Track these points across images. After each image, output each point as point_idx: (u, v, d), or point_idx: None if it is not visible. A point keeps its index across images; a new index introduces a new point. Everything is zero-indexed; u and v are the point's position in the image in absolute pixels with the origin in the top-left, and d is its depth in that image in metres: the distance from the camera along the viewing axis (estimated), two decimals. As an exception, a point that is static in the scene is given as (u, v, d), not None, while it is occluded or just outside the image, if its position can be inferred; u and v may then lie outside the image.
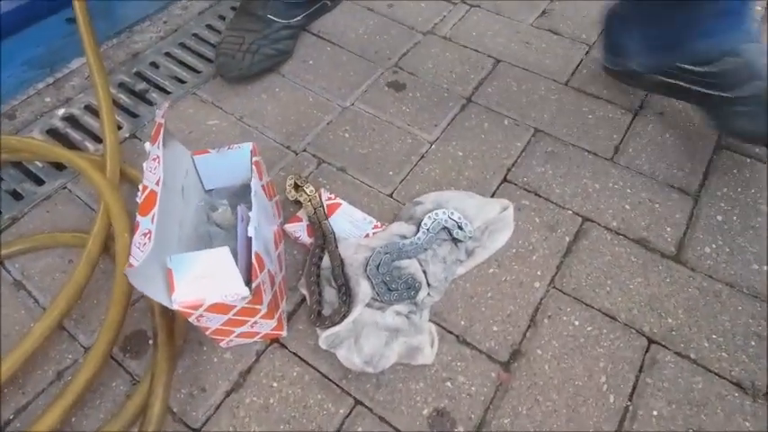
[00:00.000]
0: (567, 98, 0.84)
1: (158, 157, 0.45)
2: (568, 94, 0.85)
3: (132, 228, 0.61)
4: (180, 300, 0.44)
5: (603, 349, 0.58)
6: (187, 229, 0.53)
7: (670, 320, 0.60)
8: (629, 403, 0.54)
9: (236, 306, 0.47)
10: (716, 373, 0.56)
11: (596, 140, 0.78)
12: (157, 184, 0.44)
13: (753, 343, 0.58)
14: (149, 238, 0.41)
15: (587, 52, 0.92)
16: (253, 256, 0.47)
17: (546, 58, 0.91)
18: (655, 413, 0.53)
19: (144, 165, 0.45)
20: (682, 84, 0.72)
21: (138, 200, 0.43)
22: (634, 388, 0.55)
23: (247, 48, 0.83)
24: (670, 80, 0.74)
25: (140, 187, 0.43)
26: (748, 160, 0.75)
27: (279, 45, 0.86)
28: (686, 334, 0.59)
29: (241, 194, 0.61)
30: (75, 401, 0.51)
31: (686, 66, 0.71)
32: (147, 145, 0.47)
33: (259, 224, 0.50)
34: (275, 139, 0.79)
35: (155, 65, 0.90)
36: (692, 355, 0.57)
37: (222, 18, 0.99)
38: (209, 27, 0.97)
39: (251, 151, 0.57)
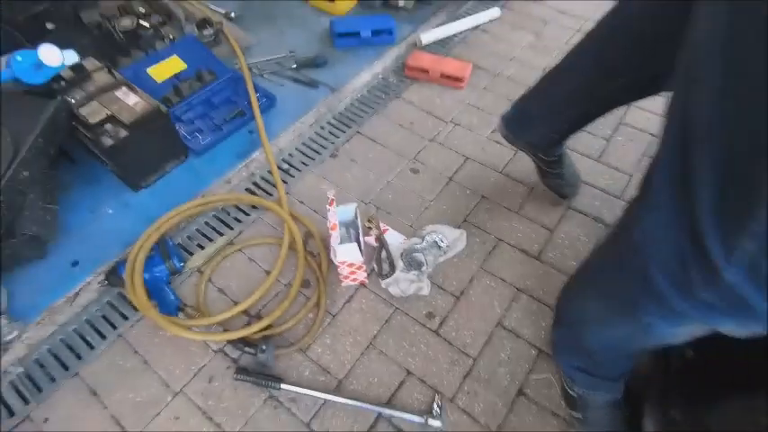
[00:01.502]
0: (499, 180, 1.68)
1: (335, 212, 1.29)
2: (500, 177, 1.69)
3: (305, 237, 1.45)
4: (340, 259, 1.27)
5: (498, 292, 1.39)
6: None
7: (529, 283, 1.41)
8: (504, 314, 1.35)
9: (356, 264, 1.29)
10: (544, 304, 1.37)
11: (512, 201, 1.61)
12: (335, 223, 1.27)
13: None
14: (337, 240, 1.24)
15: (515, 153, 1.76)
16: (362, 249, 1.30)
17: (492, 157, 1.75)
18: (515, 316, 1.34)
19: (328, 214, 1.29)
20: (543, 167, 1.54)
21: (329, 226, 1.27)
22: (508, 308, 1.36)
23: None
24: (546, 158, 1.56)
25: (330, 225, 1.27)
26: (590, 218, 1.57)
27: None
28: (536, 289, 1.40)
29: (351, 224, 1.44)
30: (290, 303, 1.33)
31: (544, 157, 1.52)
32: (328, 206, 1.30)
33: (360, 238, 1.32)
34: (356, 196, 1.63)
35: (290, 154, 1.76)
36: (536, 297, 1.38)
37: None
38: (321, 128, 1.83)
39: (356, 208, 1.40)
